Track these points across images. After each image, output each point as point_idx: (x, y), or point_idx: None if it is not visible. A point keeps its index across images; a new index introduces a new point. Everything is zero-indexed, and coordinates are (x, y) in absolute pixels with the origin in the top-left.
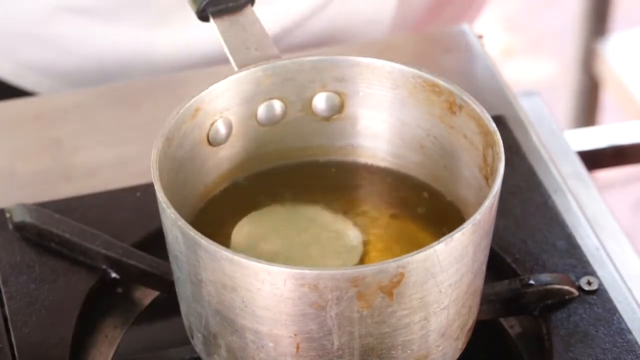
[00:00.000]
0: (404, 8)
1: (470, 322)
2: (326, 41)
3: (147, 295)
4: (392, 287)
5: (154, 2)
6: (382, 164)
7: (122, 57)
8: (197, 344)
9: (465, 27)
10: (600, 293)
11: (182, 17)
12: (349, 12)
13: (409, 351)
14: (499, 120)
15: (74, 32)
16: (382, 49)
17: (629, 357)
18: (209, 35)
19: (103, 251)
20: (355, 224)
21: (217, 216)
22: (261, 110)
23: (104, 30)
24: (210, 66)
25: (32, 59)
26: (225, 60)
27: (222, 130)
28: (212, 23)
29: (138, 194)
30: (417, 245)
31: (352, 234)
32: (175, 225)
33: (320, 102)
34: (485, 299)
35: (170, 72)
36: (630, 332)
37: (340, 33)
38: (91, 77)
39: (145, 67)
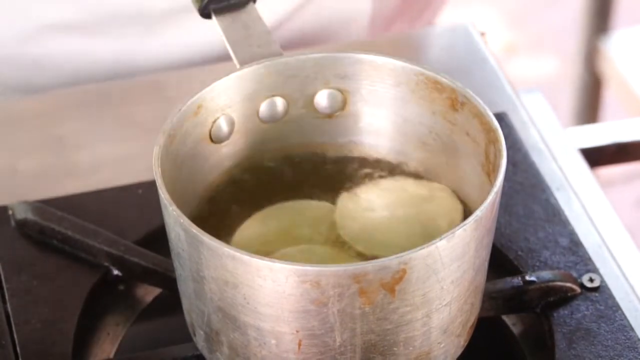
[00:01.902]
0: (380, 8)
1: (472, 319)
2: (302, 43)
3: (149, 293)
4: (394, 284)
5: (133, 17)
6: (384, 161)
7: (101, 70)
8: (199, 341)
9: (467, 24)
10: (602, 290)
11: (162, 30)
12: (325, 14)
13: (410, 348)
14: (501, 118)
15: (58, 50)
16: (384, 46)
17: (631, 354)
18: (190, 45)
19: (105, 248)
20: None
21: (219, 213)
22: (263, 107)
23: (84, 45)
24: (212, 63)
25: (14, 78)
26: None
27: (224, 127)
28: (214, 20)
29: (140, 191)
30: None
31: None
32: (177, 223)
33: (322, 99)
34: (487, 296)
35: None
36: (632, 329)
37: (316, 35)
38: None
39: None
